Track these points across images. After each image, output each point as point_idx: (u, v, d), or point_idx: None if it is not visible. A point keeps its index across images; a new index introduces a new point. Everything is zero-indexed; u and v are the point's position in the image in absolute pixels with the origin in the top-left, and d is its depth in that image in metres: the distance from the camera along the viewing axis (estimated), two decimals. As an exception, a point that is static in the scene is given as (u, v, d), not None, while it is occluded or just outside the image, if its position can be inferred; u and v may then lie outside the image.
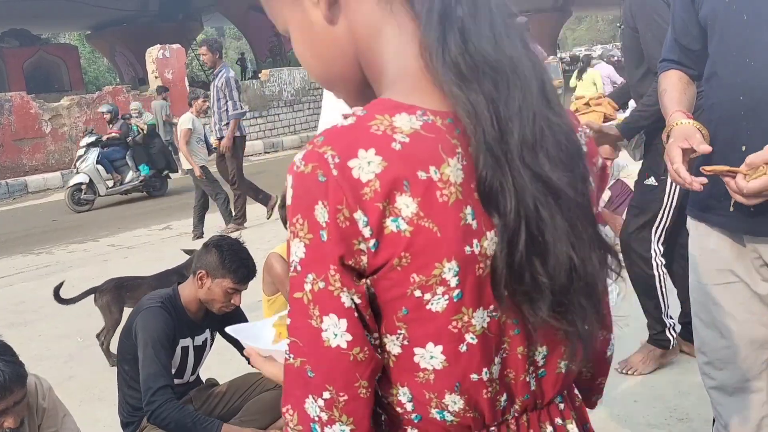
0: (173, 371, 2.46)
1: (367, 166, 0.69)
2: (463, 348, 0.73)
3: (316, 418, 0.72)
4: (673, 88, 1.69)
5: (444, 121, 0.72)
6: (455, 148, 0.71)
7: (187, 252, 3.98)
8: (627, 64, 2.97)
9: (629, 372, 3.00)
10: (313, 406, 0.72)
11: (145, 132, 10.53)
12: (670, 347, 3.02)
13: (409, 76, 0.76)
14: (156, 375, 2.28)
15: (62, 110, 13.23)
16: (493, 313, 0.74)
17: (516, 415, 0.79)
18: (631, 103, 3.25)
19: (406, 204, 0.69)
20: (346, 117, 0.73)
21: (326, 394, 0.71)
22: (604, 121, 2.70)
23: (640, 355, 3.03)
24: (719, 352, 1.68)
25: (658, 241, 2.90)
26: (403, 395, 0.76)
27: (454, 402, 0.75)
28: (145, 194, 10.51)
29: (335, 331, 0.70)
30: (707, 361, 1.73)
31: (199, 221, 6.81)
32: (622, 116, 3.23)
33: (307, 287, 0.70)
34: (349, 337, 0.70)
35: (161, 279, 3.77)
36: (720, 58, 1.58)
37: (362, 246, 0.70)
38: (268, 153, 15.55)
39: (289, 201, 0.71)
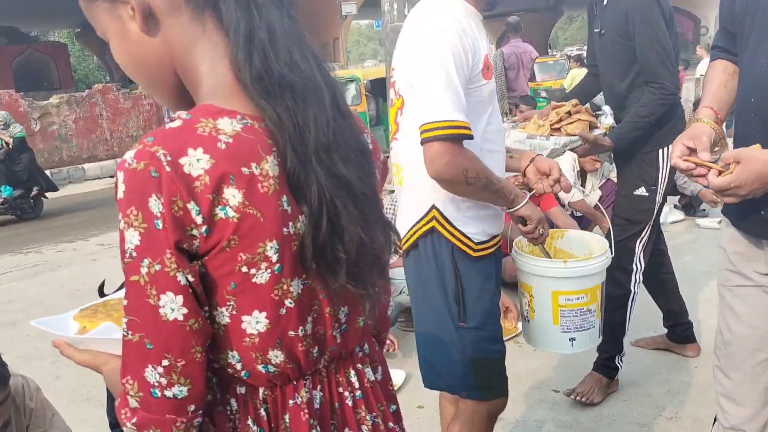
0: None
1: (196, 163, 0.79)
2: (283, 311, 0.87)
3: (156, 384, 0.81)
4: (713, 81, 1.66)
5: (260, 125, 0.85)
6: (271, 147, 0.84)
7: None
8: (608, 72, 2.73)
9: (580, 399, 2.82)
10: (152, 374, 0.81)
11: (10, 146, 8.52)
12: (616, 377, 2.89)
13: (225, 86, 0.87)
14: None
15: (51, 108, 13.12)
16: (306, 282, 0.88)
17: (326, 364, 0.96)
18: (607, 109, 3.08)
19: (233, 195, 0.80)
20: (172, 120, 0.83)
21: (165, 362, 0.81)
22: (589, 130, 2.61)
23: (588, 384, 2.86)
24: (728, 357, 1.65)
25: (641, 254, 2.76)
26: (232, 358, 0.89)
27: (276, 356, 0.89)
28: (14, 217, 8.71)
29: (172, 306, 0.80)
30: (718, 365, 1.70)
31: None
32: (604, 123, 3.07)
33: (144, 270, 0.79)
34: (185, 311, 0.80)
35: None
36: (740, 56, 1.54)
37: (195, 232, 0.80)
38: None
39: (120, 195, 0.79)
